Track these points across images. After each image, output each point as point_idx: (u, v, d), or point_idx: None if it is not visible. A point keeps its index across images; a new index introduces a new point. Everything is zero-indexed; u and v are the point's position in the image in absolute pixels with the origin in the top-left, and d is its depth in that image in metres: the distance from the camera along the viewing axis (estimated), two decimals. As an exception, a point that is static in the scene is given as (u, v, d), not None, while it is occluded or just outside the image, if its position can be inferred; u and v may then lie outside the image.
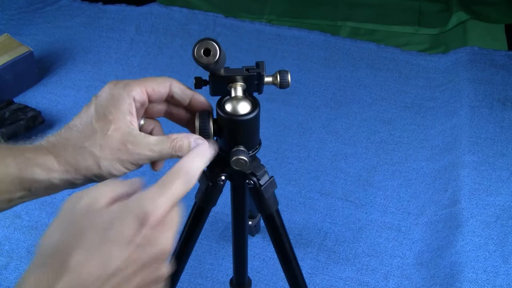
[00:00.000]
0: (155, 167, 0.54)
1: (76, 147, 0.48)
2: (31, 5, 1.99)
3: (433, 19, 1.89)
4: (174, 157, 0.50)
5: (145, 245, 0.38)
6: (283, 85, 0.55)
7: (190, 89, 0.54)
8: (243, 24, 1.87)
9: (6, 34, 1.63)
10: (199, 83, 0.54)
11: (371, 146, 1.43)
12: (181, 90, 0.53)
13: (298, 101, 1.56)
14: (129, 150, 0.48)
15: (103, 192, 0.40)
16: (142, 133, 0.50)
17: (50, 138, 0.49)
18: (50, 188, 0.49)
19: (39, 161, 0.47)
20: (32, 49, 1.59)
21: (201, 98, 0.54)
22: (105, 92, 0.50)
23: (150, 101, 0.52)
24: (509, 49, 1.73)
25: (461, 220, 1.19)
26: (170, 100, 0.54)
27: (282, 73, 0.55)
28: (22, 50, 1.57)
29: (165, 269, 0.41)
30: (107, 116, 0.48)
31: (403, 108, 1.54)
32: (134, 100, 0.50)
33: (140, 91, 0.50)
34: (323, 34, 1.81)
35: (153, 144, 0.49)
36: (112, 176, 0.49)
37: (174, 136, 0.50)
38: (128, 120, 0.49)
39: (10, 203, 0.48)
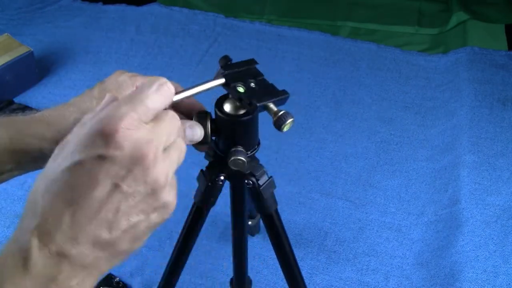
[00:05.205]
0: None
1: (71, 119, 0.48)
2: (31, 5, 1.99)
3: (433, 19, 1.89)
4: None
5: (120, 160, 0.32)
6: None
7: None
8: (243, 24, 1.87)
9: (6, 34, 1.63)
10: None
11: (371, 146, 1.43)
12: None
13: (298, 101, 1.55)
14: None
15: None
16: None
17: (45, 111, 0.50)
18: (39, 160, 0.48)
19: (31, 132, 0.47)
20: (32, 49, 1.59)
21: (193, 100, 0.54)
22: (110, 78, 0.51)
23: None
24: (509, 49, 1.72)
25: (461, 220, 1.19)
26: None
27: None
28: (22, 50, 1.57)
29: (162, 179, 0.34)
30: None
31: (403, 108, 1.54)
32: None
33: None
34: (323, 34, 1.81)
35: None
36: None
37: None
38: None
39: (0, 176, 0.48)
